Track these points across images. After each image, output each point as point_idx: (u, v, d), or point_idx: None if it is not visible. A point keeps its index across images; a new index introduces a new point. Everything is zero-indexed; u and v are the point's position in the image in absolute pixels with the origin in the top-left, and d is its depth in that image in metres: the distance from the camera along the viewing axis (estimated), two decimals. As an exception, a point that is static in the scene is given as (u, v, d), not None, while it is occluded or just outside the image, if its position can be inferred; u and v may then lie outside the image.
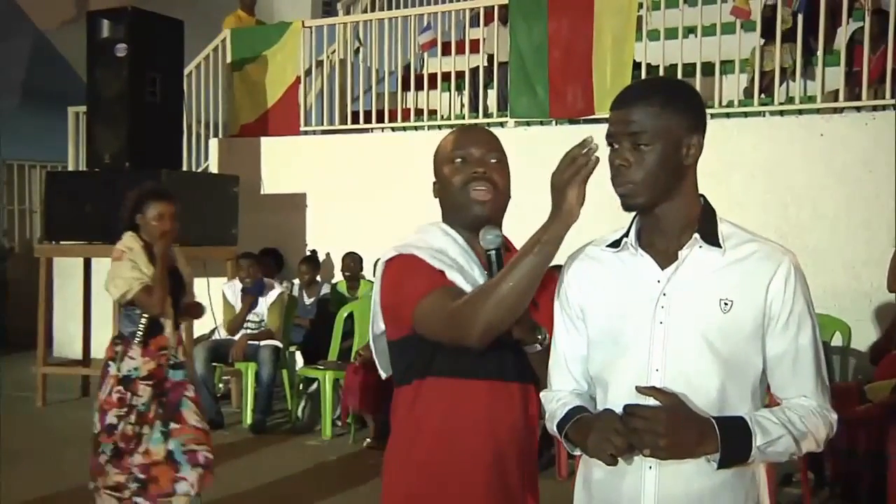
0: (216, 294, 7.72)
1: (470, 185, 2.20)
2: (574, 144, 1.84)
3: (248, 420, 7.18)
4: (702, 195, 1.93)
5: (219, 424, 7.13)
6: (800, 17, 7.08)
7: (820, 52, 7.02)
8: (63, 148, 10.26)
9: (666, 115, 1.83)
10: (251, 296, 7.40)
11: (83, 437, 6.78)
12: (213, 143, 9.50)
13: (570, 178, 1.84)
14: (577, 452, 1.93)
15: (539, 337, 2.09)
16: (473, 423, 2.17)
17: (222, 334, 7.54)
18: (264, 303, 7.42)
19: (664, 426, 1.75)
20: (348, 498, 5.53)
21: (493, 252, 2.11)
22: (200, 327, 7.91)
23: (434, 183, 2.31)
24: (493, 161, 2.23)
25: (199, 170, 9.56)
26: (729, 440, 1.77)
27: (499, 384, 2.18)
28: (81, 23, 8.00)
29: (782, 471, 5.31)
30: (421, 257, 2.16)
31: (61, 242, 7.99)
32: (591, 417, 1.88)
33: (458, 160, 2.23)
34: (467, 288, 2.12)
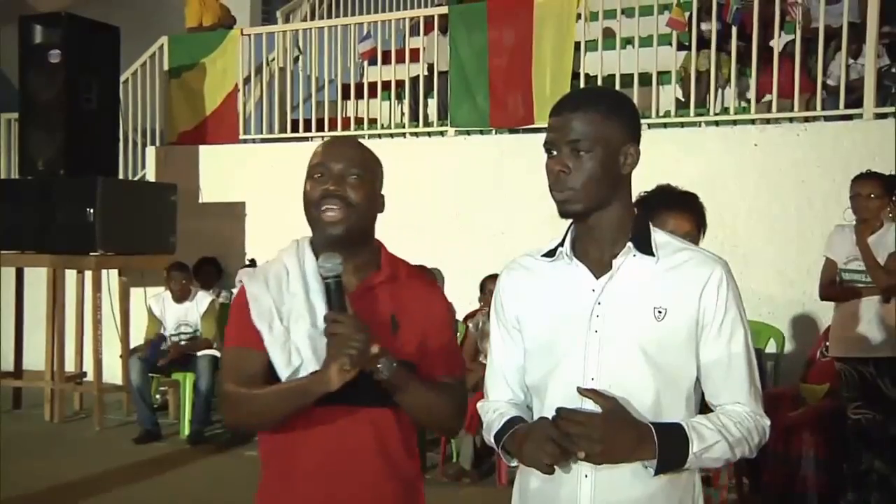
0: (153, 304, 7.61)
1: (321, 202, 2.09)
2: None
3: (186, 431, 7.09)
4: (635, 204, 1.96)
5: (156, 436, 7.04)
6: (734, 29, 7.22)
7: (753, 64, 7.17)
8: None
9: (607, 123, 1.85)
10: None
11: (16, 449, 6.66)
12: (151, 151, 9.36)
13: (335, 354, 1.94)
14: (515, 464, 1.94)
15: (379, 366, 1.98)
16: (309, 449, 2.10)
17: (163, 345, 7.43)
18: (196, 312, 7.34)
19: (599, 431, 1.77)
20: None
21: (332, 281, 2.01)
22: (137, 337, 7.80)
23: None
24: (353, 177, 2.10)
25: (137, 178, 9.41)
26: (666, 446, 1.79)
27: (336, 409, 2.05)
28: (13, 27, 7.83)
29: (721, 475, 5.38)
30: (248, 300, 2.12)
31: (-8, 251, 7.82)
32: (526, 427, 1.89)
33: (318, 175, 2.11)
34: (270, 335, 2.08)
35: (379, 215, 2.18)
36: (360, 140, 2.27)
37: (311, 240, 2.19)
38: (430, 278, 2.31)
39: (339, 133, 8.74)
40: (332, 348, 1.96)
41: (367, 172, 2.14)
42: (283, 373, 2.06)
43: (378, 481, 2.13)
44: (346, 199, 2.08)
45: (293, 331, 2.08)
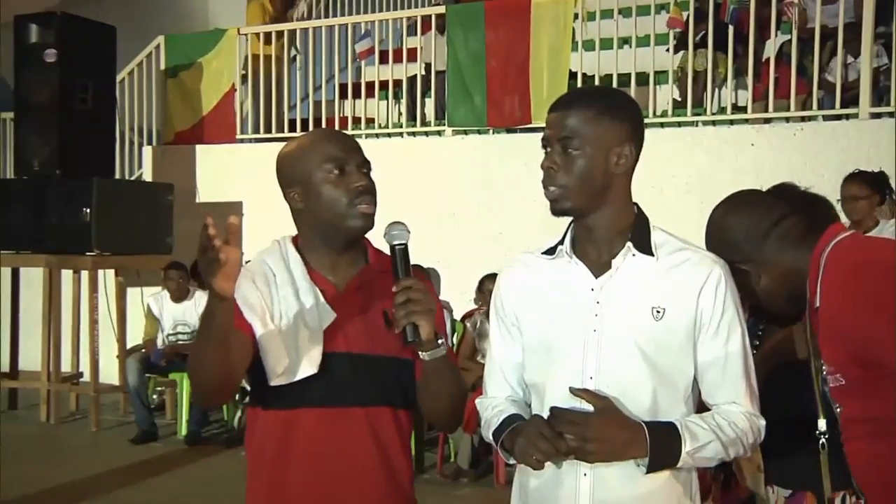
0: (150, 304, 7.60)
1: (358, 198, 2.03)
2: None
3: (183, 431, 7.08)
4: (635, 203, 1.95)
5: (153, 436, 7.03)
6: (730, 29, 7.22)
7: (750, 64, 7.17)
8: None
9: (599, 122, 1.85)
10: None
11: (11, 451, 6.65)
12: (147, 151, 9.36)
13: (205, 268, 1.83)
14: (513, 461, 1.94)
15: (439, 342, 1.92)
16: (301, 454, 2.03)
17: (158, 344, 7.41)
18: (194, 312, 7.32)
19: (592, 430, 1.78)
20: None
21: (401, 247, 1.93)
22: (134, 337, 7.79)
23: (290, 191, 2.13)
24: (367, 171, 2.08)
25: (133, 178, 9.41)
26: (658, 445, 1.80)
27: (332, 411, 2.01)
28: (8, 27, 7.80)
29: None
30: (236, 298, 1.99)
31: (-12, 252, 7.80)
32: (522, 424, 1.89)
33: (337, 171, 2.04)
34: (263, 329, 2.00)
35: (376, 214, 2.16)
36: (358, 139, 2.23)
37: (292, 239, 2.15)
38: (422, 275, 2.22)
39: (335, 133, 8.73)
40: (403, 315, 1.86)
41: (370, 165, 2.12)
42: (277, 369, 1.98)
43: (377, 483, 2.06)
44: (374, 194, 2.07)
45: (285, 333, 2.01)
